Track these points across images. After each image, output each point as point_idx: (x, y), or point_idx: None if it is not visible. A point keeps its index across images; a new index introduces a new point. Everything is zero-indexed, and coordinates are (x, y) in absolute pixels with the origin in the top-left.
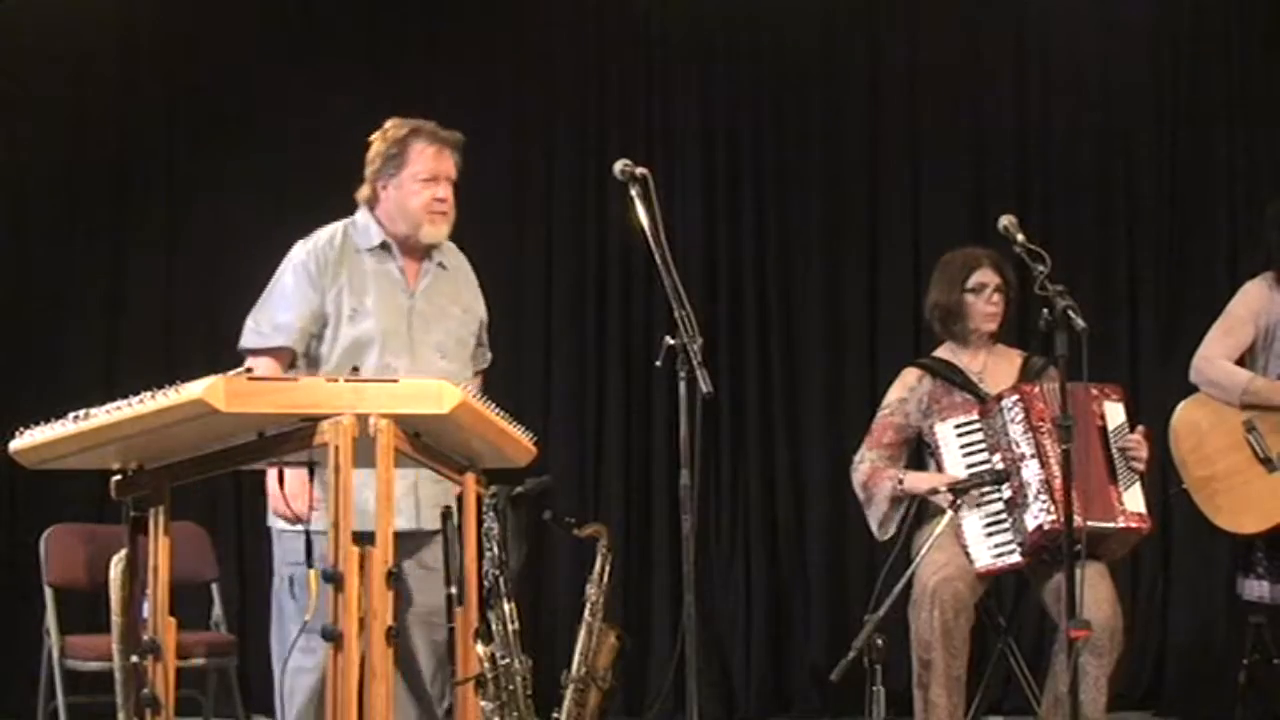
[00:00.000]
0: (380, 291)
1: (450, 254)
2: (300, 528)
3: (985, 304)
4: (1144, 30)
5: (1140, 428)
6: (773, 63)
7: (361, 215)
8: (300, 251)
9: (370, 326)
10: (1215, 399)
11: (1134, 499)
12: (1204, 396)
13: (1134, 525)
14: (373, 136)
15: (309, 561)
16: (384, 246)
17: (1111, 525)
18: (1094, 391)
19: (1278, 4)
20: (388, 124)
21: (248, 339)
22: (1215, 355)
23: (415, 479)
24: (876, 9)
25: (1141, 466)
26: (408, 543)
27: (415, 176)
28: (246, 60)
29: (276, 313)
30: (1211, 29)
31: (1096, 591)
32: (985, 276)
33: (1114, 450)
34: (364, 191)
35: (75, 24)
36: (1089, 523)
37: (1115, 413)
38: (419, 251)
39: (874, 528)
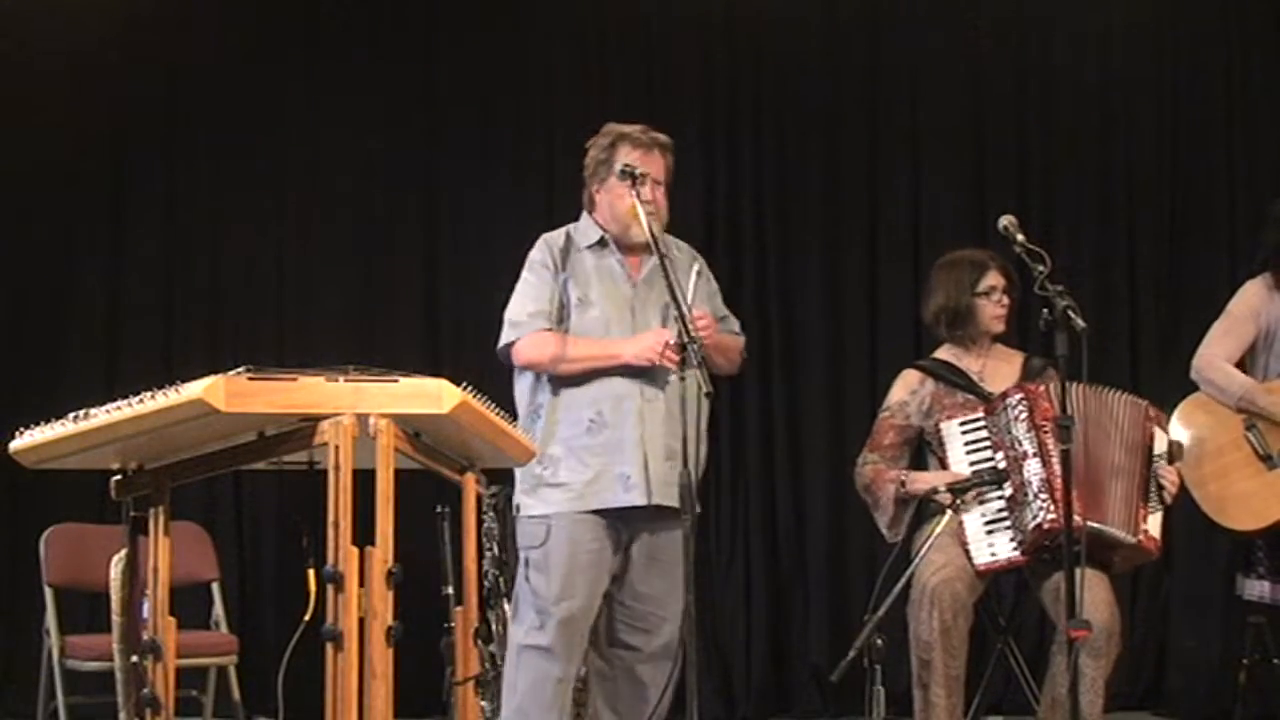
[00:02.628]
0: (603, 284)
1: (673, 247)
2: (543, 512)
3: (996, 306)
4: (1144, 30)
5: (1177, 464)
6: (773, 63)
7: (583, 218)
8: (535, 252)
9: (596, 315)
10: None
11: (1154, 523)
12: (1204, 395)
13: (1147, 546)
14: (589, 143)
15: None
16: (601, 242)
17: (1129, 537)
18: (1151, 413)
19: (1277, 3)
20: (603, 130)
21: (509, 333)
22: (1216, 355)
23: (643, 458)
24: (876, 9)
25: (1169, 500)
26: (637, 519)
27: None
28: (246, 60)
29: (527, 303)
30: (1211, 28)
31: (1095, 593)
32: (994, 279)
33: (1152, 473)
34: (586, 194)
35: (75, 22)
36: (1109, 527)
37: (1162, 441)
38: (640, 247)
39: (884, 530)
